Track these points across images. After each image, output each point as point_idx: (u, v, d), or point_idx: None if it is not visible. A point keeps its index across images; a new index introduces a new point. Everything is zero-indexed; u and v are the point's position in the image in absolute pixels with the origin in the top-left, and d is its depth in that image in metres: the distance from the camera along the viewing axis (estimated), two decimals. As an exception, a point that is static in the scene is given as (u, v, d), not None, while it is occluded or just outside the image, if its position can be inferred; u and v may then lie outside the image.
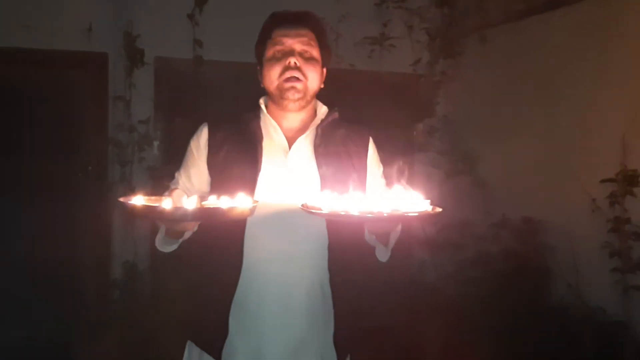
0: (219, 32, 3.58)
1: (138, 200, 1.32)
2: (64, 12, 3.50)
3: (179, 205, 1.29)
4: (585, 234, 3.03)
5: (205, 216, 1.34)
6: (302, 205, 1.40)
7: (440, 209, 1.30)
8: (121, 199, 1.31)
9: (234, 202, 1.35)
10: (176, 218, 1.28)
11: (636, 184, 2.80)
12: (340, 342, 1.63)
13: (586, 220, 3.02)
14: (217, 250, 1.61)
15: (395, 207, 1.27)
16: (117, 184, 3.52)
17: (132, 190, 3.48)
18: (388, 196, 1.33)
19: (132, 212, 1.29)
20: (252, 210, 1.35)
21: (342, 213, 1.30)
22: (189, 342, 1.70)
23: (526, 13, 3.47)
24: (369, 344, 1.79)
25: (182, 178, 1.69)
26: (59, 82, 3.63)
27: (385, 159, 1.76)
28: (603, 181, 2.89)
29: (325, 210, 1.34)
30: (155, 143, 3.61)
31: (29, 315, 3.33)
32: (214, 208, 1.32)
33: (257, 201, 1.39)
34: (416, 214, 1.27)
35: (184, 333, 1.72)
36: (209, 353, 1.61)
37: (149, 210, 1.29)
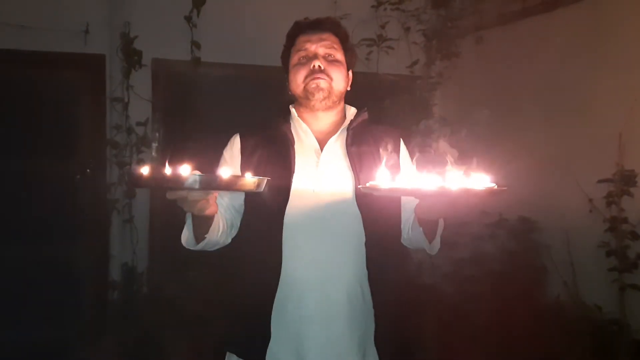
0: (217, 34, 3.58)
1: (146, 169, 1.28)
2: (61, 13, 3.48)
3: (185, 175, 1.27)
4: (582, 234, 3.06)
5: (215, 184, 1.31)
6: (368, 186, 1.38)
7: (505, 188, 1.30)
8: (129, 167, 1.30)
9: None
10: (186, 186, 1.26)
11: (633, 184, 2.83)
12: (382, 342, 1.63)
13: (583, 220, 3.04)
14: (256, 255, 1.62)
15: (462, 185, 1.28)
16: (115, 186, 3.52)
17: (131, 192, 3.49)
18: (450, 175, 1.34)
19: (140, 180, 1.27)
20: (261, 184, 1.34)
21: (422, 189, 1.29)
22: (227, 354, 1.70)
23: (522, 14, 3.50)
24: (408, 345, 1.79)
25: None
26: (55, 84, 3.62)
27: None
28: (600, 181, 2.92)
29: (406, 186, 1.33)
30: (154, 145, 3.60)
31: (27, 317, 3.33)
32: (222, 176, 1.29)
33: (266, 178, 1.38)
34: (485, 190, 1.28)
35: (222, 345, 1.72)
36: None
37: (157, 179, 1.27)
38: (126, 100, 3.54)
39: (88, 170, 3.61)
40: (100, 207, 3.51)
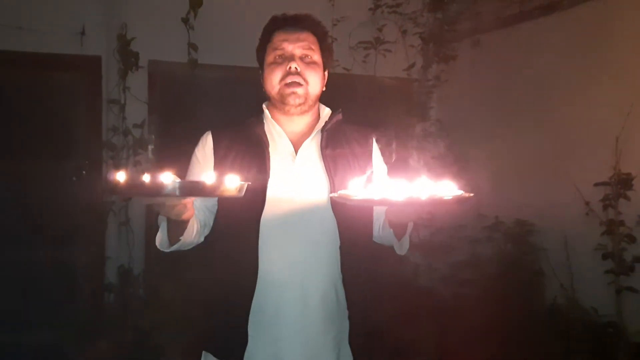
0: (214, 36, 3.56)
1: (122, 176, 1.24)
2: (57, 15, 3.48)
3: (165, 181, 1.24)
4: (579, 237, 3.06)
5: (195, 191, 1.29)
6: (339, 195, 1.36)
7: (472, 194, 1.32)
8: (107, 175, 1.27)
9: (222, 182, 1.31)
10: (166, 192, 1.23)
11: (630, 187, 2.84)
12: (356, 343, 1.65)
13: (580, 223, 3.05)
14: (233, 257, 1.61)
15: (431, 193, 1.28)
16: (111, 188, 3.50)
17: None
18: (417, 183, 1.33)
19: (116, 188, 1.23)
20: (242, 190, 1.32)
21: (389, 199, 1.29)
22: (204, 353, 1.69)
23: (519, 18, 3.50)
24: (381, 344, 1.80)
25: None
26: (52, 85, 3.61)
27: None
28: (597, 184, 2.93)
29: (365, 197, 1.32)
30: (150, 147, 3.59)
31: (23, 319, 3.30)
32: (202, 183, 1.27)
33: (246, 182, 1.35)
34: (453, 198, 1.29)
35: (200, 344, 1.71)
36: None
37: (135, 186, 1.23)
38: (122, 102, 3.53)
39: (84, 172, 3.60)
40: (96, 209, 3.50)
